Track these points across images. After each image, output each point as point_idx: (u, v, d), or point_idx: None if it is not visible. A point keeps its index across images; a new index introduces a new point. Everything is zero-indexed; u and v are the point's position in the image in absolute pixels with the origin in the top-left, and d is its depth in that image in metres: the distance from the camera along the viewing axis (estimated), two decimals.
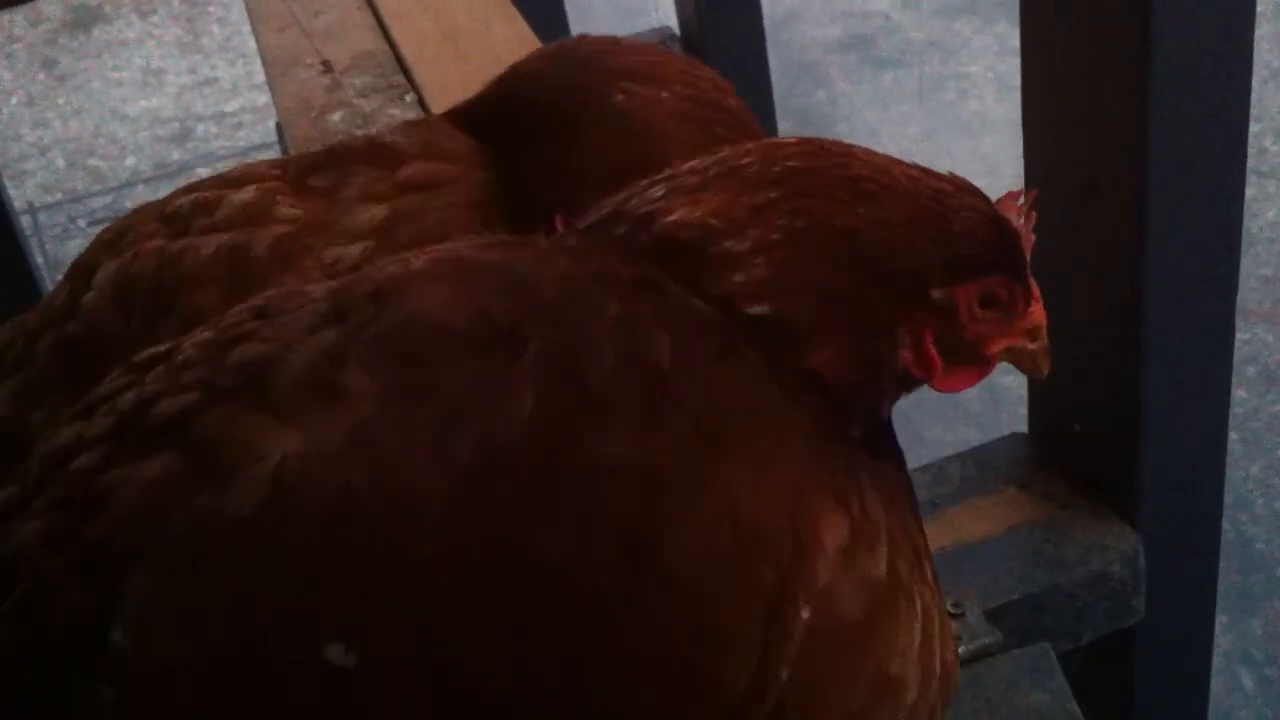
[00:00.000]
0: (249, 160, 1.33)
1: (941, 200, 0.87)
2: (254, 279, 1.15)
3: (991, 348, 0.90)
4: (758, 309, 0.82)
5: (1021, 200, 0.91)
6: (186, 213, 1.22)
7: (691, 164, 0.89)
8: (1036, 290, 0.92)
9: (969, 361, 0.90)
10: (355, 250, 1.17)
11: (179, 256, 1.18)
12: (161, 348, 0.86)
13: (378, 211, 1.19)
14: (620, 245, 0.85)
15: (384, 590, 0.72)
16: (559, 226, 1.18)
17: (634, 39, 1.37)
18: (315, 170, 1.24)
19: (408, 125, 1.34)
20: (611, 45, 1.31)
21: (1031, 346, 0.93)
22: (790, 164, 0.86)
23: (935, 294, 0.86)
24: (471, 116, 1.31)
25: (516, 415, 0.74)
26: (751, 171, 0.86)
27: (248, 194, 1.21)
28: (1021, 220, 0.90)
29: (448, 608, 0.72)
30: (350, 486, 0.73)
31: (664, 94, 1.23)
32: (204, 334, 0.84)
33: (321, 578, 0.72)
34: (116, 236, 1.24)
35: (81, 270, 1.23)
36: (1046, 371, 0.94)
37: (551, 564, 0.72)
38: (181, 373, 0.81)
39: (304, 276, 1.14)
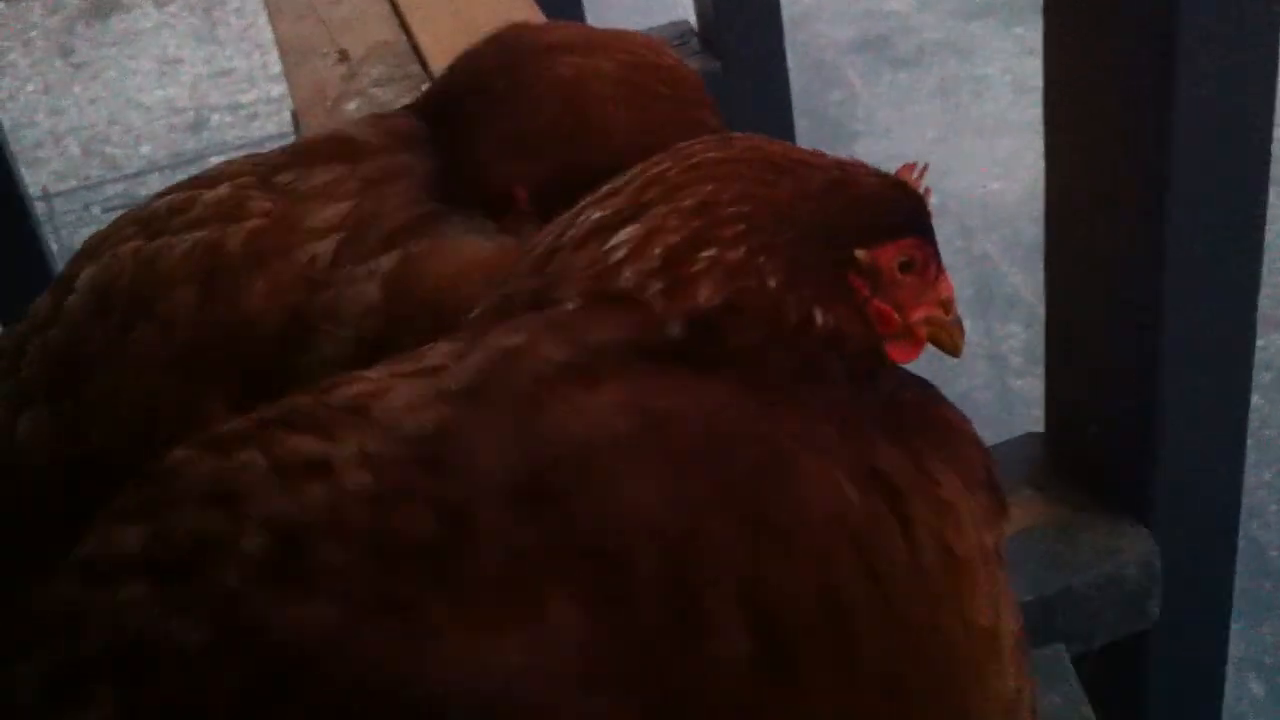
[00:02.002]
0: (263, 151, 1.34)
1: (844, 169, 0.91)
2: (229, 274, 1.16)
3: (914, 313, 0.92)
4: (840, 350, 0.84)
5: (916, 173, 0.94)
6: (163, 214, 1.23)
7: (662, 213, 0.87)
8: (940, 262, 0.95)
9: (900, 331, 0.92)
10: (329, 244, 1.18)
11: (154, 257, 1.19)
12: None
13: (343, 207, 1.20)
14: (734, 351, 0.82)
15: None
16: (520, 200, 1.21)
17: (571, 22, 1.42)
18: (281, 168, 1.25)
19: (371, 117, 1.37)
20: (546, 26, 1.35)
21: (946, 317, 0.95)
22: (709, 155, 0.89)
23: (860, 255, 0.88)
24: (427, 105, 1.33)
25: (722, 659, 0.71)
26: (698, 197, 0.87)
27: (221, 191, 1.22)
28: (921, 186, 0.94)
29: None
30: None
31: (606, 64, 1.26)
32: (352, 482, 0.74)
33: None
34: (97, 244, 1.26)
35: (64, 280, 1.25)
36: (961, 349, 0.96)
37: None
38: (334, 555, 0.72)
39: (276, 278, 1.15)
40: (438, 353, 0.83)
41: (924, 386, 0.94)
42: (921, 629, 0.79)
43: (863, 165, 0.93)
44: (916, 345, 0.93)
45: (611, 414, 0.75)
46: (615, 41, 1.29)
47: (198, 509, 0.77)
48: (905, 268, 0.91)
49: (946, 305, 0.94)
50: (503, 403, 0.76)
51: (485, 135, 1.25)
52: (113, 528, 0.81)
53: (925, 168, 0.95)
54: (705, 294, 0.81)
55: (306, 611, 0.70)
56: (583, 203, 0.90)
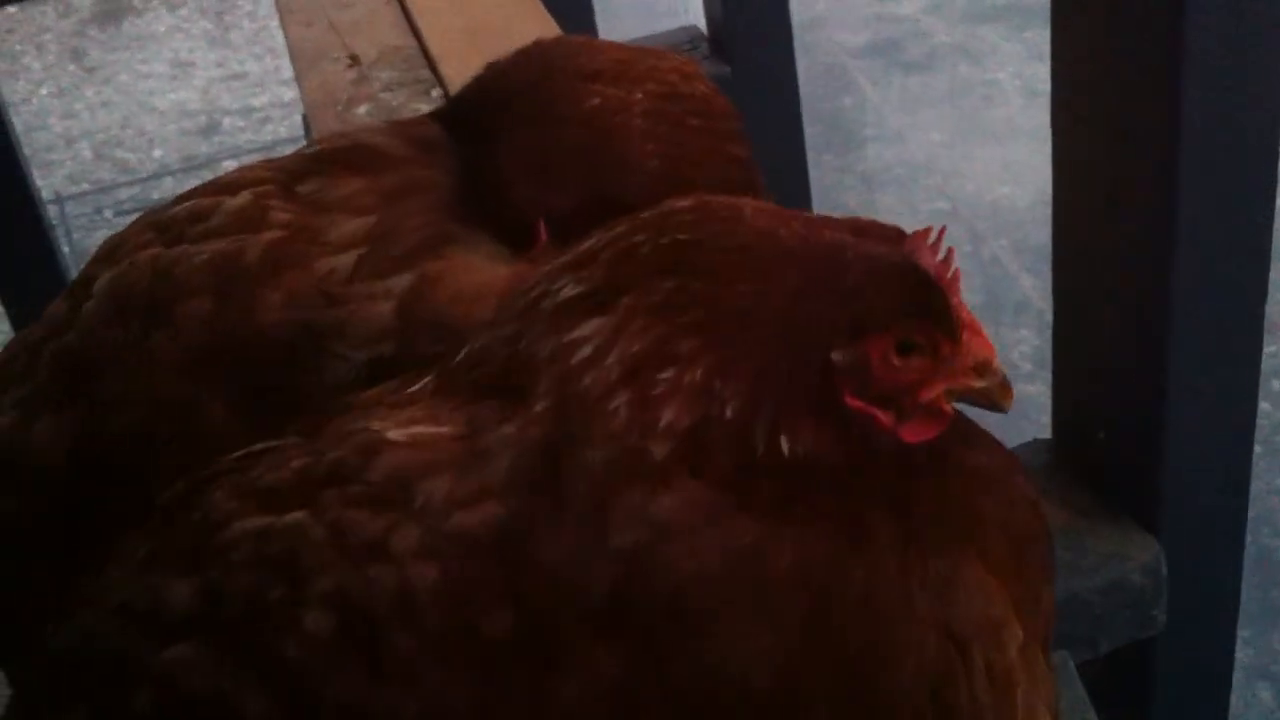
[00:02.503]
0: (274, 155, 1.33)
1: (833, 255, 0.83)
2: (246, 286, 1.16)
3: (925, 394, 0.85)
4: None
5: (932, 238, 0.86)
6: (182, 220, 1.23)
7: (627, 308, 0.82)
8: (975, 325, 0.87)
9: (913, 412, 0.85)
10: (348, 259, 1.17)
11: (172, 265, 1.18)
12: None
13: (364, 221, 1.19)
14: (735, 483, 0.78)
15: None
16: (540, 236, 1.20)
17: (606, 40, 1.37)
18: (303, 176, 1.24)
19: (394, 124, 1.35)
20: (583, 46, 1.31)
21: (979, 384, 0.87)
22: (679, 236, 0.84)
23: (836, 356, 0.81)
24: (451, 115, 1.31)
25: None
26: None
27: (241, 200, 1.21)
28: (937, 258, 0.85)
29: None
30: None
31: (636, 94, 1.24)
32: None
33: None
34: (114, 248, 1.26)
35: (81, 283, 1.25)
36: (1008, 406, 0.88)
37: None
38: None
39: (292, 290, 1.15)
40: (446, 411, 0.82)
41: (938, 448, 0.87)
42: None
43: (867, 240, 0.85)
44: (936, 422, 0.86)
45: (699, 549, 0.75)
46: (646, 69, 1.26)
47: (253, 571, 0.77)
48: (906, 350, 0.84)
49: (981, 370, 0.87)
50: (562, 505, 0.76)
51: (509, 156, 1.23)
52: (156, 574, 0.81)
53: (943, 230, 0.86)
54: (669, 418, 0.78)
55: (376, 694, 0.71)
56: (561, 261, 0.86)
